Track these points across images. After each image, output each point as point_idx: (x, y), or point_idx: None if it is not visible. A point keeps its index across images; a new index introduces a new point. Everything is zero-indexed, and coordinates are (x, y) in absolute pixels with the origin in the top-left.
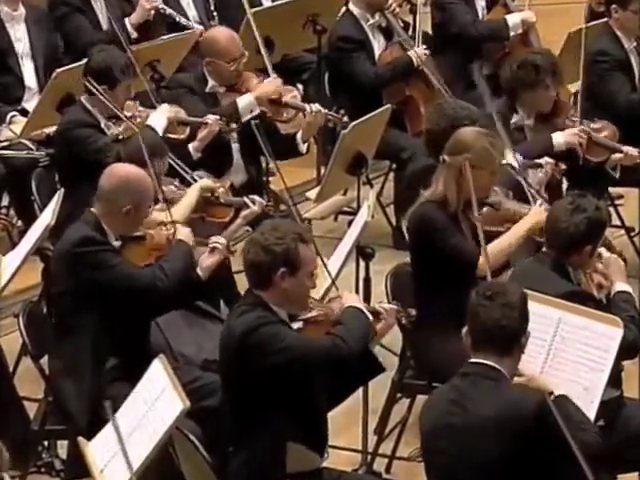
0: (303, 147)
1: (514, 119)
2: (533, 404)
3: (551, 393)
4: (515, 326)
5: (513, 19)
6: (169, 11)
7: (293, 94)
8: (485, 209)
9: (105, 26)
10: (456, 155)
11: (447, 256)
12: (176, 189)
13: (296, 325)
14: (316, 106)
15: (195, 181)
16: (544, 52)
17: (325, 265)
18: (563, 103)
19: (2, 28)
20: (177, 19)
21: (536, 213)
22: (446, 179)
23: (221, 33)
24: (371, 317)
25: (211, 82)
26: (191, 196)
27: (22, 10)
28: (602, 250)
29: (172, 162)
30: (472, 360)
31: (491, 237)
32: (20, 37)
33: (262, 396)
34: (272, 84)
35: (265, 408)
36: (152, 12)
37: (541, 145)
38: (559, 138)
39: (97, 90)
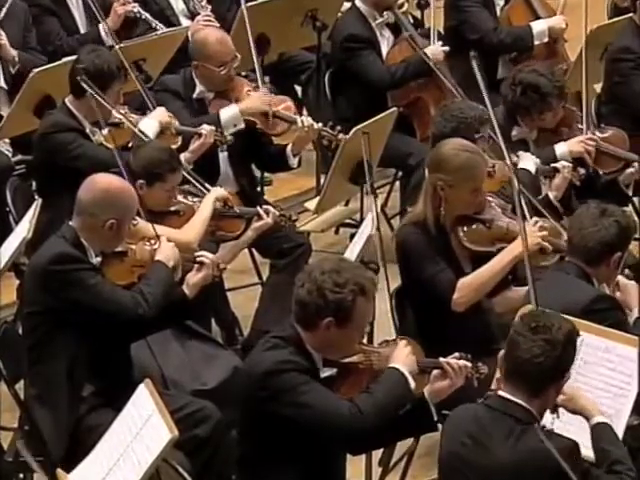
0: (294, 161)
1: (515, 132)
2: (557, 457)
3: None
4: (553, 366)
5: (539, 27)
6: (145, 15)
7: (286, 105)
8: (475, 226)
9: (82, 27)
10: (432, 172)
11: (422, 287)
12: (183, 198)
13: (328, 372)
14: (308, 120)
15: (208, 191)
16: (547, 73)
17: None
18: (569, 111)
19: None
20: (153, 25)
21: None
22: (425, 197)
23: (211, 35)
24: (413, 384)
25: (199, 87)
26: (206, 210)
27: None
28: (620, 278)
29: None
30: (500, 393)
31: (480, 257)
32: None
33: (272, 440)
34: (260, 99)
35: (272, 452)
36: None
37: (543, 158)
38: (562, 148)
39: (94, 91)
